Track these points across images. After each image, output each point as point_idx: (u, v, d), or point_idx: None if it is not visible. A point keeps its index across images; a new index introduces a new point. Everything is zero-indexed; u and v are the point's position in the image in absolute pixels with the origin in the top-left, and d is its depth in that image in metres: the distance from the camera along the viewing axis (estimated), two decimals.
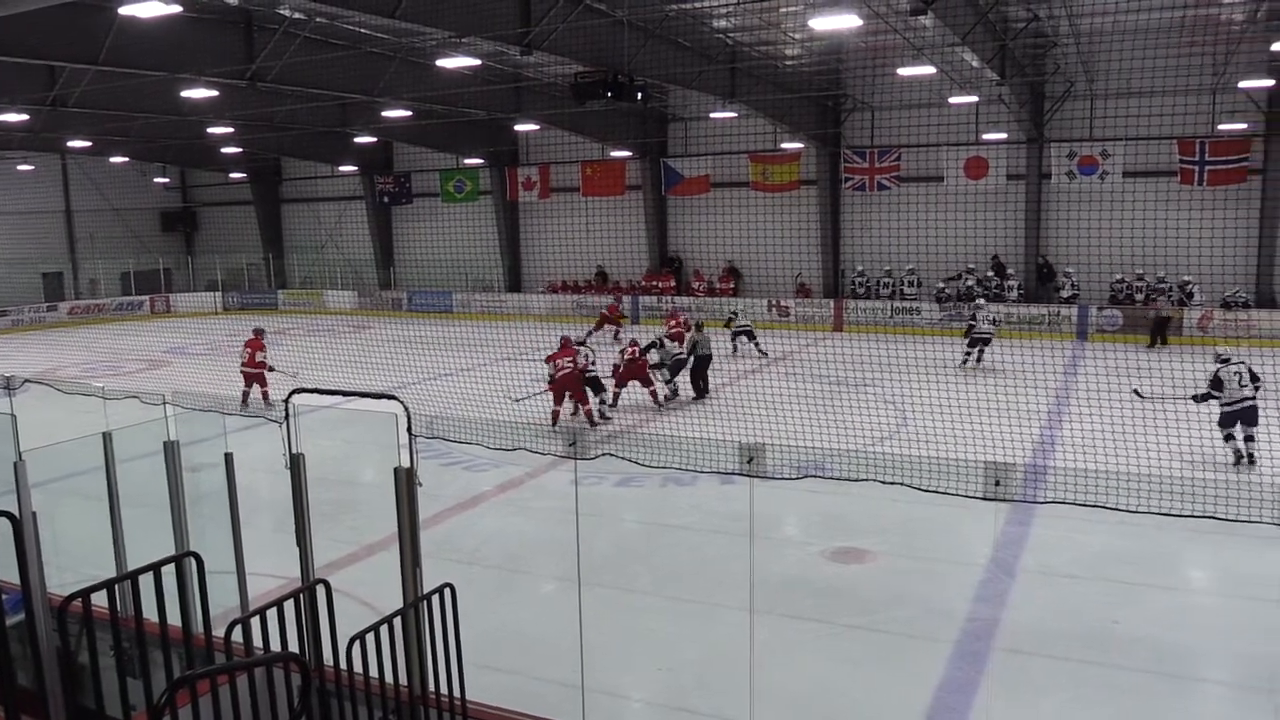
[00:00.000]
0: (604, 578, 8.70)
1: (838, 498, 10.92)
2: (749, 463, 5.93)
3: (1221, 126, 24.18)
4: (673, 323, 20.31)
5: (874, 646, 7.73)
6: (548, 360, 15.32)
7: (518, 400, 16.17)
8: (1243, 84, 22.62)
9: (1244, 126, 24.05)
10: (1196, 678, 7.34)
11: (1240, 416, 12.29)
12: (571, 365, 15.08)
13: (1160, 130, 23.75)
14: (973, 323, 20.87)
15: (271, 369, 17.16)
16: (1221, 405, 12.40)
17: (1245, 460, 12.20)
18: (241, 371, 17.40)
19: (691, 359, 17.44)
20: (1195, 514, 6.70)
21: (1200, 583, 9.42)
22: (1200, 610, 8.58)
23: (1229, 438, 12.39)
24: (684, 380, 17.48)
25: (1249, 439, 12.28)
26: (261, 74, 19.07)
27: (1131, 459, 9.07)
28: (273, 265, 39.23)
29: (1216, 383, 12.38)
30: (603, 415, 15.69)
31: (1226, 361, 12.59)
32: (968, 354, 20.61)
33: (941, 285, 27.47)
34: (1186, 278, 24.66)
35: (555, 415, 15.23)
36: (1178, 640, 7.79)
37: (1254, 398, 12.30)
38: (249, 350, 17.48)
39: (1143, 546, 9.50)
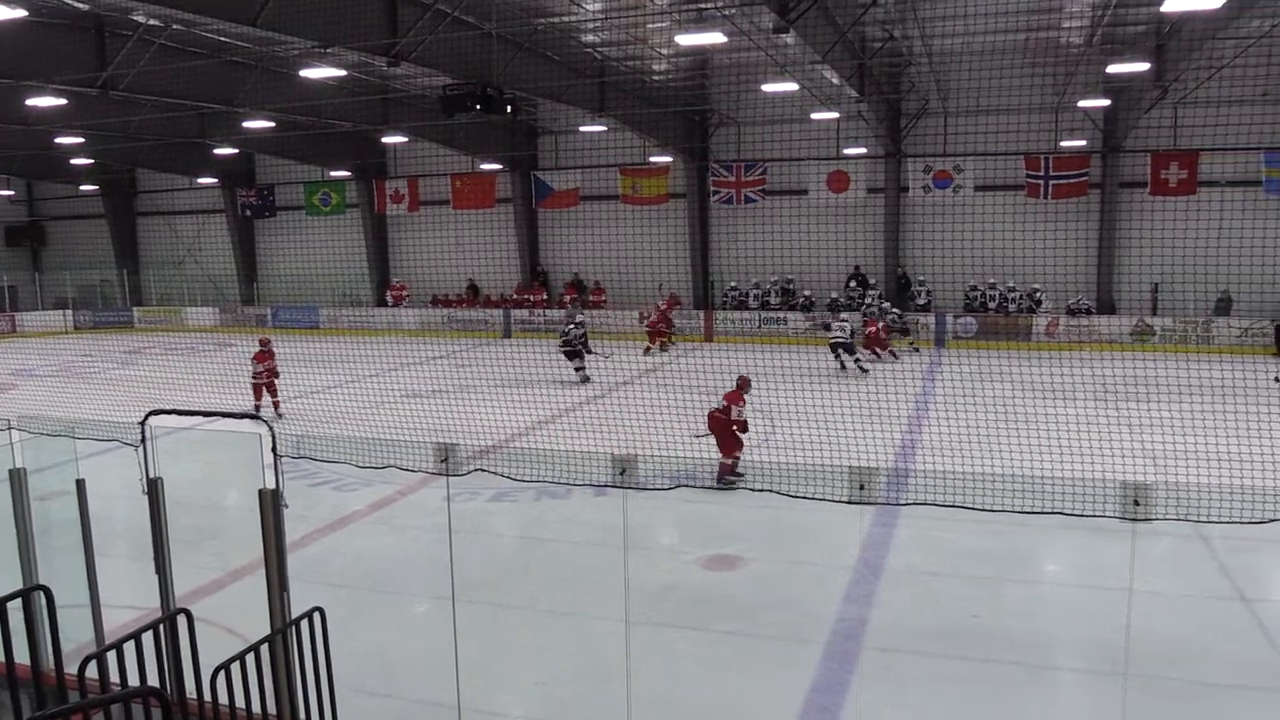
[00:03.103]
0: (479, 594, 8.63)
1: (710, 506, 11.10)
2: (622, 474, 5.98)
3: (1064, 143, 25.64)
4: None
5: (748, 651, 7.88)
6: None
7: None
8: (1082, 103, 24.07)
9: (1084, 143, 25.57)
10: (1051, 665, 7.74)
11: None
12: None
13: (1008, 146, 25.08)
14: (826, 330, 21.96)
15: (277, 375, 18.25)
16: None
17: None
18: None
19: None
20: (1045, 510, 7.04)
21: (1052, 575, 9.93)
22: (1052, 601, 9.05)
23: None
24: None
25: None
26: (114, 82, 18.28)
27: (987, 460, 9.50)
28: (128, 282, 37.44)
29: None
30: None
31: None
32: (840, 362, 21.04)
33: (808, 294, 28.27)
34: (1035, 286, 26.05)
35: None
36: (1033, 630, 8.21)
37: None
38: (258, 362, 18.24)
39: (999, 543, 9.96)
